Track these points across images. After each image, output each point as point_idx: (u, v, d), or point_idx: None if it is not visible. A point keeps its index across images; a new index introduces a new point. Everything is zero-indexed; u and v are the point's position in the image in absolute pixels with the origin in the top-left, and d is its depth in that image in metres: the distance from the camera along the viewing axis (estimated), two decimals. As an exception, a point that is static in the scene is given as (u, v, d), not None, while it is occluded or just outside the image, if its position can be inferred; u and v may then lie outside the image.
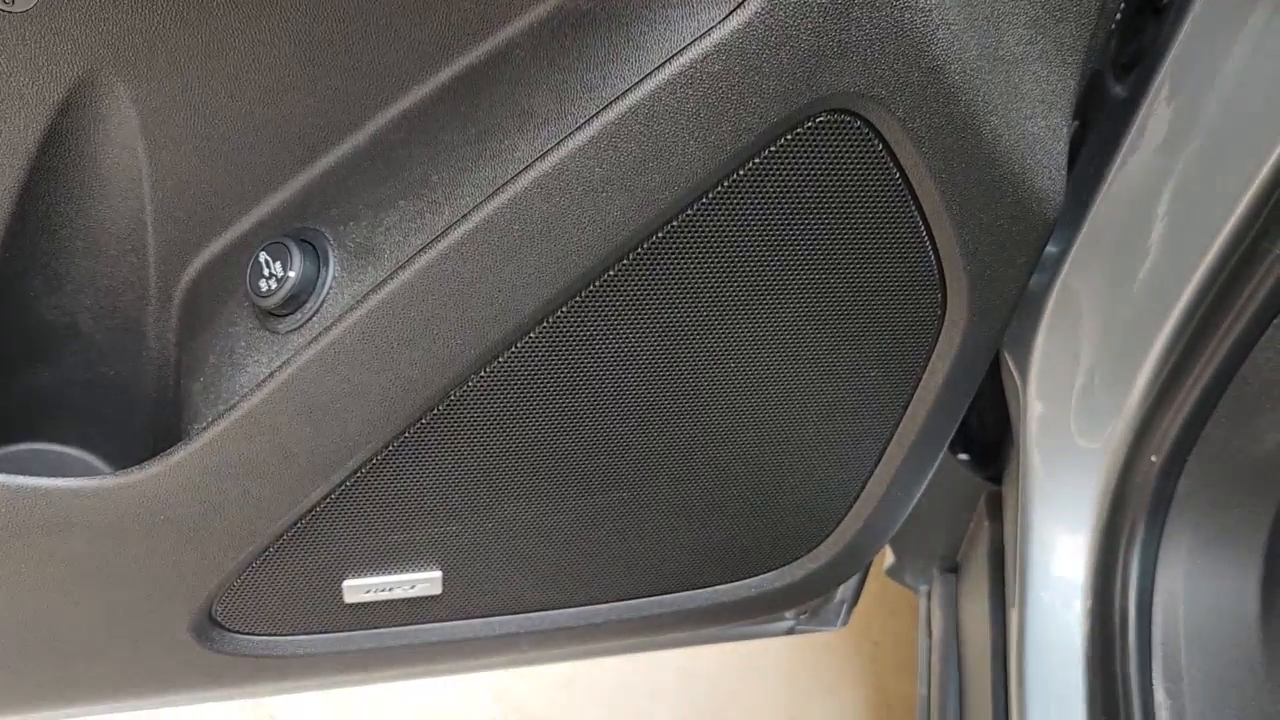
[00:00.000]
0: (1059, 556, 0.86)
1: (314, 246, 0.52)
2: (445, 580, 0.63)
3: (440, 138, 0.50)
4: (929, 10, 0.46)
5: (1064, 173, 0.53)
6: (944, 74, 0.48)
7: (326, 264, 0.51)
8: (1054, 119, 0.52)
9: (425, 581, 0.62)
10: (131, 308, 0.57)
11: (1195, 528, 0.80)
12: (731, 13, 0.45)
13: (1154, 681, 0.77)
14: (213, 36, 0.48)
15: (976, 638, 0.95)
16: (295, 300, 0.51)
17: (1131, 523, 0.81)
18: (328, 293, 0.51)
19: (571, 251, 0.49)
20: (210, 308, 0.55)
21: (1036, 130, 0.51)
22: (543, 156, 0.47)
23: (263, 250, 0.51)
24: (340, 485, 0.56)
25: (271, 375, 0.51)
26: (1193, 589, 0.80)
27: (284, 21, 0.49)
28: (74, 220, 0.54)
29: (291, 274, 0.50)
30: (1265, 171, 0.67)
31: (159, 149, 0.52)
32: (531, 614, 0.67)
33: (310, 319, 0.51)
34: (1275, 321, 0.72)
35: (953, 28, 0.47)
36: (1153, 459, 0.80)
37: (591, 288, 0.51)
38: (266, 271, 0.51)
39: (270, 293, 0.51)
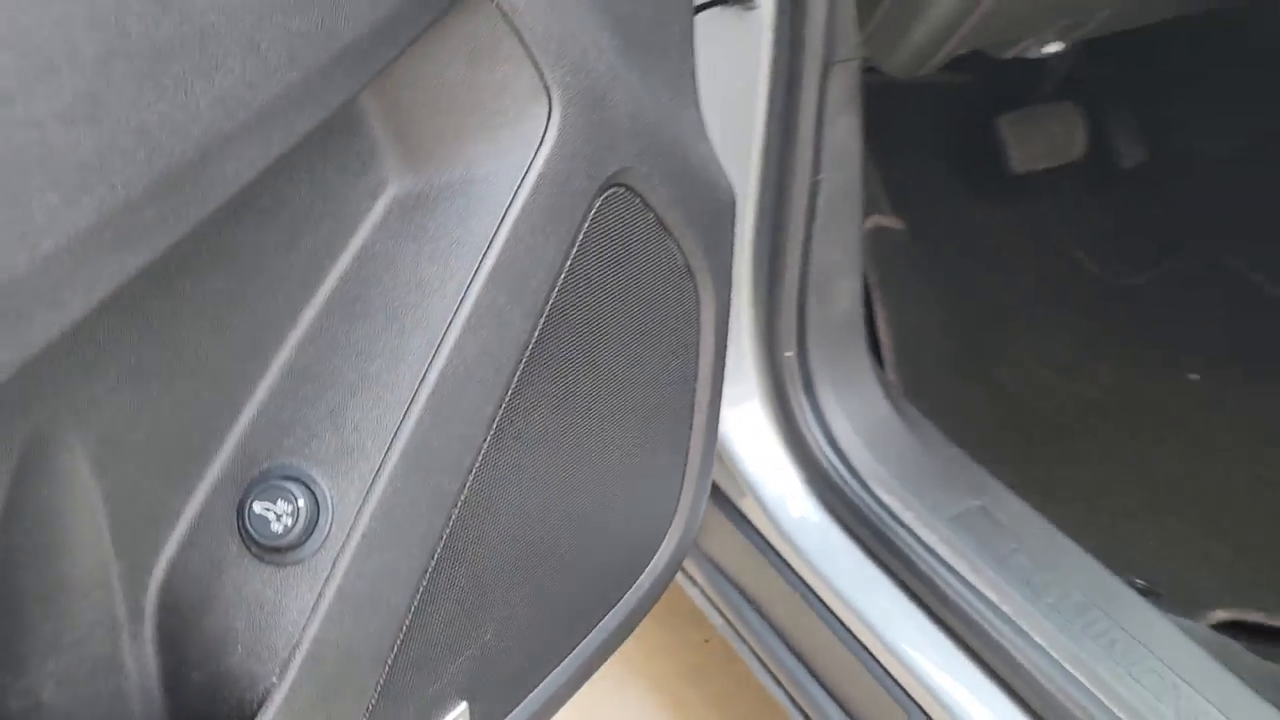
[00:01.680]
0: (758, 451, 1.12)
1: (292, 476, 0.57)
2: (471, 709, 0.70)
3: (353, 338, 0.59)
4: (638, 101, 0.66)
5: (720, 162, 0.77)
6: (659, 134, 0.68)
7: (315, 481, 0.57)
8: (708, 139, 0.75)
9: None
10: (100, 645, 0.56)
11: (833, 383, 1.11)
12: (539, 147, 0.60)
13: (874, 490, 1.06)
14: (144, 353, 0.52)
15: (732, 552, 1.18)
16: (310, 524, 0.56)
17: (798, 404, 1.10)
18: (332, 500, 0.57)
19: (503, 365, 0.62)
20: (199, 592, 0.57)
21: (705, 149, 0.74)
22: (459, 306, 0.59)
23: (254, 501, 0.56)
24: (391, 658, 0.61)
25: (320, 595, 0.56)
26: (854, 421, 1.11)
27: (197, 308, 0.54)
28: (34, 590, 0.53)
29: (301, 502, 0.56)
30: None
31: (111, 475, 0.53)
32: (515, 709, 0.76)
33: (330, 528, 0.57)
34: (815, 223, 1.04)
35: (649, 112, 0.67)
36: (788, 354, 1.09)
37: (514, 386, 0.64)
38: (273, 516, 0.56)
39: (288, 530, 0.56)
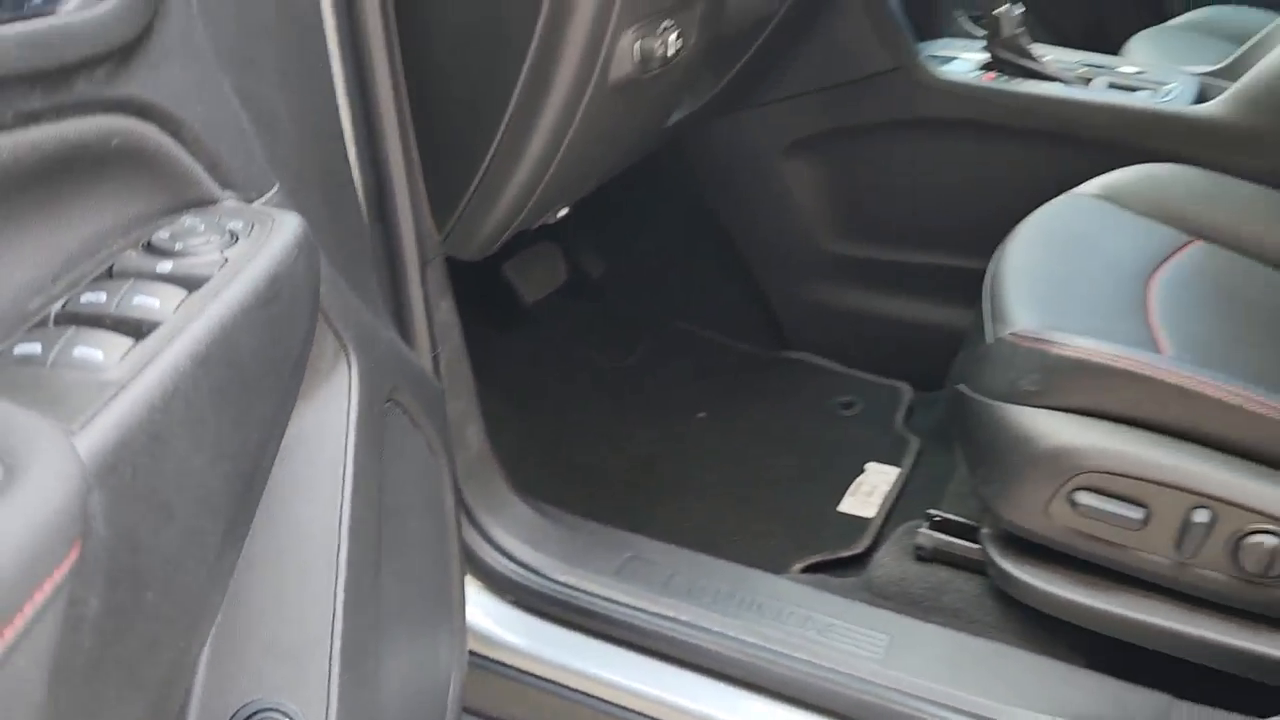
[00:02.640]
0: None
1: (262, 709, 0.69)
2: None
3: (261, 583, 0.72)
4: (383, 335, 0.86)
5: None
6: (399, 356, 0.89)
7: (283, 704, 0.69)
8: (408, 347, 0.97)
9: None
10: None
11: (488, 509, 1.34)
12: (350, 391, 0.78)
13: (554, 576, 1.31)
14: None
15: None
16: (301, 734, 0.68)
17: (470, 536, 1.32)
18: (302, 715, 0.70)
19: (372, 560, 0.78)
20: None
21: (411, 354, 0.96)
22: (341, 528, 0.75)
23: (253, 733, 0.67)
24: None
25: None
26: (515, 532, 1.35)
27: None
28: None
29: (293, 721, 0.68)
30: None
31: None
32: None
33: (316, 731, 0.69)
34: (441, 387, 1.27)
35: (390, 341, 0.87)
36: (448, 497, 1.31)
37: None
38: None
39: (289, 749, 0.67)
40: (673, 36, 1.12)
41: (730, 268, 1.94)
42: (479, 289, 1.80)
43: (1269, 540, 1.03)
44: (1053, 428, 1.11)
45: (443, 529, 1.00)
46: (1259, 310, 1.30)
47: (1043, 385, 1.12)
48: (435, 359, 1.25)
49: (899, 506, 1.59)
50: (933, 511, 1.38)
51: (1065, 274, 1.31)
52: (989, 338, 1.21)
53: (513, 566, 1.32)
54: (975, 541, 1.28)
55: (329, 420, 0.78)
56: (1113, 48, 2.51)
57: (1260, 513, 1.03)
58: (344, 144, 0.92)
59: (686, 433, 1.76)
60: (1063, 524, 1.12)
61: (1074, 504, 1.10)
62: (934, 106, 1.66)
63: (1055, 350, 1.12)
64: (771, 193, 1.82)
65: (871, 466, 1.67)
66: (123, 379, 0.47)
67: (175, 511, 0.48)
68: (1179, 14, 2.31)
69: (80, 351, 0.48)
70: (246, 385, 0.56)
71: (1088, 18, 2.69)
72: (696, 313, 2.00)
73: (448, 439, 1.00)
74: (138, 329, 0.51)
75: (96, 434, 0.44)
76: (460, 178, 1.16)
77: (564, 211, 1.37)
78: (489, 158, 1.14)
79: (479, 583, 1.32)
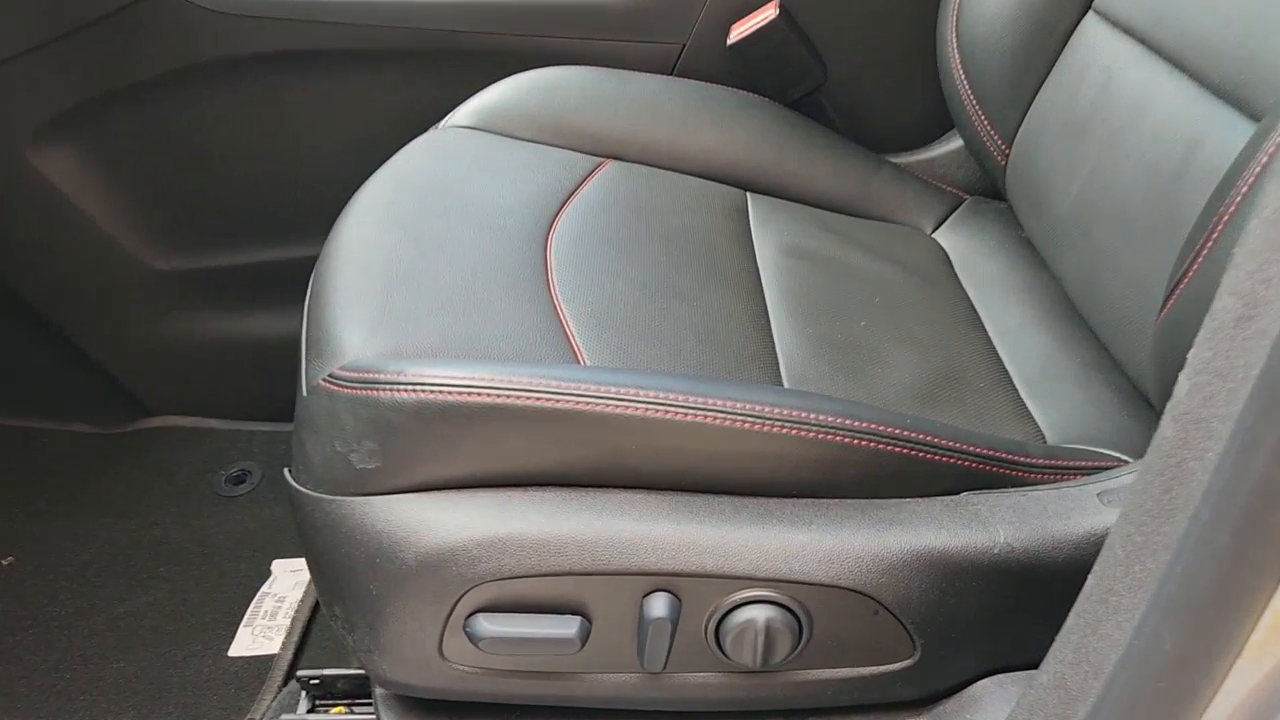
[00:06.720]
0: None
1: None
2: None
3: None
4: None
5: None
6: None
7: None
8: None
9: None
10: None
11: None
12: None
13: None
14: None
15: None
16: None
17: None
18: None
19: None
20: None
21: None
22: None
23: None
24: None
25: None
26: None
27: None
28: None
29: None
30: None
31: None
32: None
33: None
34: None
35: None
36: None
37: None
38: None
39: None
40: None
41: (31, 326, 1.32)
42: None
43: (759, 613, 0.65)
44: (411, 526, 0.66)
45: None
46: (671, 247, 0.94)
47: (385, 456, 0.67)
48: None
49: (321, 614, 1.11)
50: (303, 673, 0.90)
51: (422, 256, 0.86)
52: (303, 388, 0.74)
53: None
54: (368, 700, 0.82)
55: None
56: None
57: (736, 577, 0.65)
58: None
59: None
60: (471, 668, 0.69)
61: (474, 638, 0.66)
62: (231, 40, 1.15)
63: (389, 393, 0.67)
64: (40, 206, 1.21)
65: (279, 566, 1.17)
66: None
67: None
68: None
69: None
70: None
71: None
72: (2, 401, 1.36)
73: None
74: None
75: None
76: None
77: None
78: None
79: None
